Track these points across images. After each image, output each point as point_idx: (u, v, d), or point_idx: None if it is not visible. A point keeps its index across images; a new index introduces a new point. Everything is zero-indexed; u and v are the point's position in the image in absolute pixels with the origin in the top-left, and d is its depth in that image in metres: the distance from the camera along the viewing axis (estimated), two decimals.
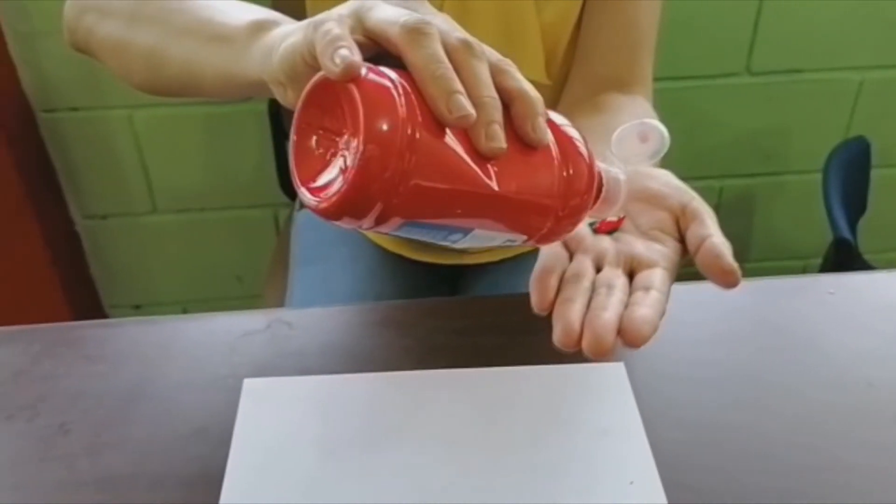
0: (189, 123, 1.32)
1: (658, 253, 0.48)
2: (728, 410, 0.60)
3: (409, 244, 0.91)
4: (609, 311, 0.44)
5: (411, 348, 0.65)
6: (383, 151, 0.36)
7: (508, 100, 0.40)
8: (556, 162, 0.43)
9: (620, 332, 0.43)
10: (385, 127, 0.36)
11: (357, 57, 0.37)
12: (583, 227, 0.51)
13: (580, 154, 0.44)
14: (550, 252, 0.49)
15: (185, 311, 1.58)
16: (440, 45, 0.38)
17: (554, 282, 0.46)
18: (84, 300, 1.48)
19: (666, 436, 0.58)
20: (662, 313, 0.45)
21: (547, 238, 0.45)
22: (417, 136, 0.37)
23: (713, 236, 0.47)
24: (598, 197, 0.46)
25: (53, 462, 0.56)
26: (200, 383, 0.62)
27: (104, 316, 1.56)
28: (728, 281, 0.46)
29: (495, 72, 0.39)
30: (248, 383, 0.62)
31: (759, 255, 1.60)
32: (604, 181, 0.46)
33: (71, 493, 0.54)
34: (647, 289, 0.46)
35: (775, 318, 0.69)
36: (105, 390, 0.62)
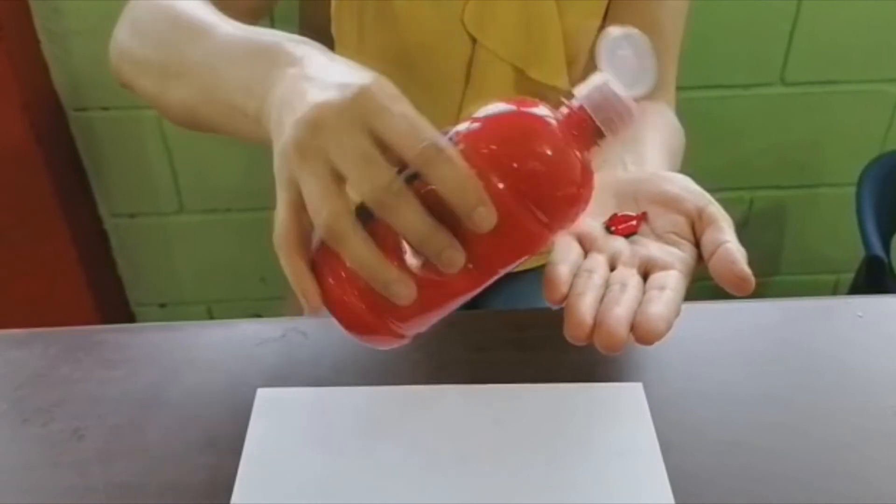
0: None
1: (673, 256, 0.48)
2: (749, 433, 0.59)
3: None
4: (622, 307, 0.43)
5: (425, 362, 0.64)
6: (370, 335, 0.44)
7: (443, 195, 0.39)
8: (520, 213, 0.41)
9: (634, 327, 0.42)
10: (366, 334, 0.44)
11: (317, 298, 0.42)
12: (597, 228, 0.50)
13: (536, 177, 0.41)
14: (565, 246, 0.48)
15: (209, 311, 1.59)
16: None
17: (567, 274, 0.45)
18: (110, 298, 1.50)
19: (683, 459, 0.56)
20: (677, 313, 0.44)
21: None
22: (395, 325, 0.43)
23: (728, 242, 0.46)
24: (595, 136, 0.44)
25: (66, 468, 0.56)
26: (215, 391, 0.62)
27: (130, 314, 1.57)
28: (741, 287, 0.45)
29: (422, 165, 0.38)
30: (261, 393, 0.61)
31: (789, 268, 1.57)
32: (590, 115, 0.44)
33: (82, 500, 0.54)
34: (661, 288, 0.45)
35: (802, 340, 0.67)
36: (121, 396, 0.62)
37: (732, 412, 0.60)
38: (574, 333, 0.42)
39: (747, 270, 0.45)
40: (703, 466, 0.56)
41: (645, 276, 0.47)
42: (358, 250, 0.39)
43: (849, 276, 1.38)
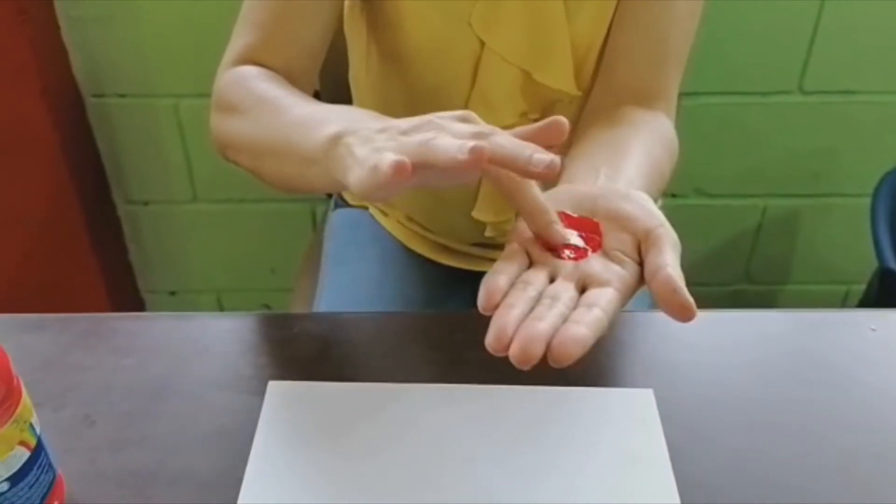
0: None
1: (614, 273, 0.47)
2: (759, 443, 0.59)
3: (440, 249, 0.91)
4: (544, 323, 0.43)
5: (437, 361, 0.64)
6: None
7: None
8: None
9: (548, 348, 0.42)
10: None
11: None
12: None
13: None
14: (510, 255, 0.49)
15: (218, 300, 1.59)
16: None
17: (503, 284, 0.46)
18: (121, 284, 1.50)
19: (692, 467, 0.56)
20: (600, 333, 0.44)
21: None
22: None
23: (668, 266, 0.45)
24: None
25: (76, 454, 0.57)
26: (226, 383, 0.63)
27: (140, 300, 1.58)
28: (684, 316, 0.44)
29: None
30: (273, 386, 0.62)
31: (800, 277, 1.56)
32: None
33: (91, 486, 0.55)
34: (590, 306, 0.45)
35: (814, 351, 0.67)
36: (133, 384, 0.62)
37: (742, 421, 0.60)
38: (494, 346, 0.43)
39: (689, 298, 0.44)
40: (711, 474, 0.56)
41: (582, 290, 0.47)
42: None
43: (860, 288, 1.37)
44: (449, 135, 0.46)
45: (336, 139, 0.50)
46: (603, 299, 0.45)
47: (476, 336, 0.66)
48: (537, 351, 0.42)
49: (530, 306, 0.45)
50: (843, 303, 1.59)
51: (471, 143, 0.43)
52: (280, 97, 0.62)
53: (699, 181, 1.42)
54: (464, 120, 0.48)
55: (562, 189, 0.54)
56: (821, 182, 1.45)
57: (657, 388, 0.62)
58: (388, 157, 0.44)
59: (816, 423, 0.60)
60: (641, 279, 0.48)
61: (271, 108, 0.61)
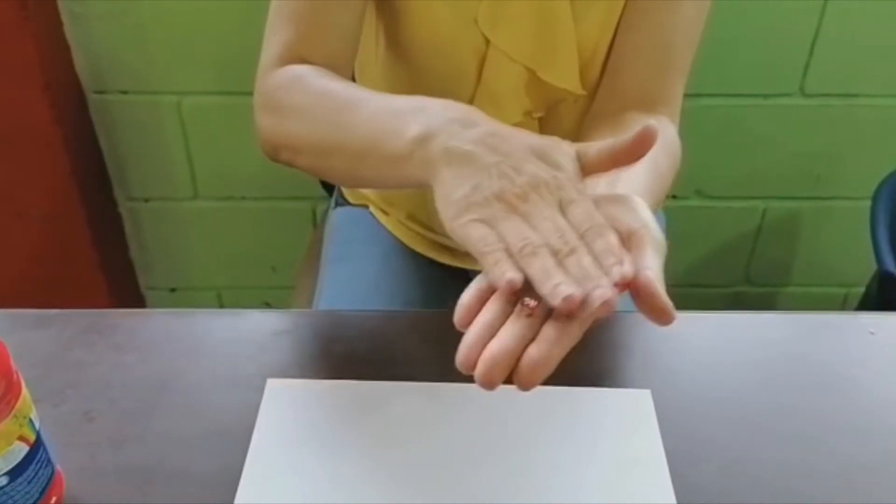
0: (235, 113, 1.33)
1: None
2: (756, 446, 0.59)
3: (440, 248, 0.91)
4: (510, 342, 0.42)
5: (435, 360, 0.64)
6: None
7: None
8: None
9: (514, 371, 0.42)
10: None
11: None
12: None
13: None
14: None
15: (219, 297, 1.59)
16: None
17: (471, 299, 0.45)
18: (121, 281, 1.51)
19: (689, 468, 0.57)
20: (570, 346, 0.44)
21: None
22: None
23: (648, 269, 0.45)
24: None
25: (76, 449, 0.57)
26: (226, 380, 0.63)
27: (140, 297, 1.58)
28: (662, 319, 0.44)
29: None
30: (272, 384, 0.62)
31: (799, 279, 1.57)
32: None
33: (90, 482, 0.55)
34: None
35: (813, 354, 0.67)
36: (133, 381, 0.62)
37: (740, 423, 0.60)
38: (461, 359, 0.43)
39: (668, 302, 0.44)
40: (708, 476, 0.57)
41: None
42: None
43: (859, 290, 1.37)
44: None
45: (421, 142, 0.50)
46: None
47: None
48: (500, 375, 0.42)
49: (502, 320, 0.44)
50: (842, 305, 1.60)
51: (577, 297, 0.42)
52: (342, 92, 0.62)
53: (700, 183, 1.42)
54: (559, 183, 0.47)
55: None
56: (821, 184, 1.45)
57: (655, 389, 0.62)
58: (509, 275, 0.43)
59: (814, 427, 0.60)
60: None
61: (337, 105, 0.60)
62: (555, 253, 0.45)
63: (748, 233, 1.49)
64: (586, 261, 0.45)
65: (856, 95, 1.34)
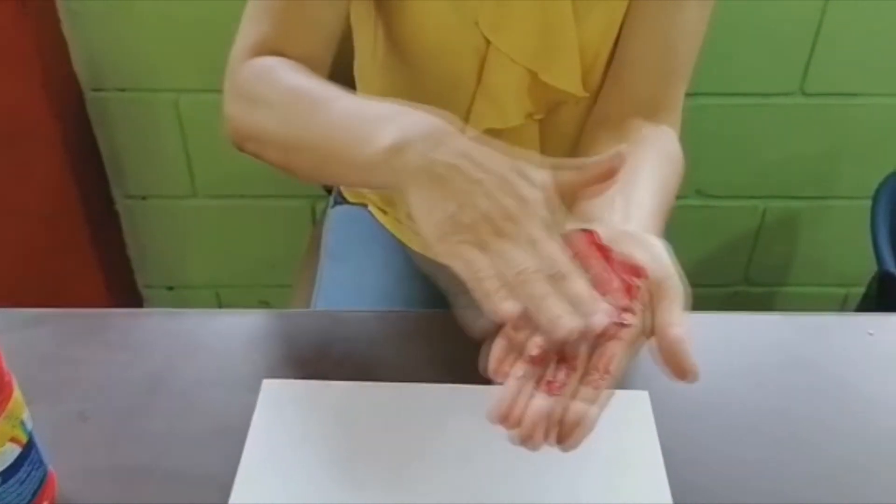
0: None
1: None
2: (754, 447, 0.58)
3: None
4: (547, 402, 0.44)
5: (434, 361, 0.64)
6: None
7: None
8: None
9: (558, 436, 0.44)
10: None
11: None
12: None
13: None
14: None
15: (217, 296, 1.59)
16: None
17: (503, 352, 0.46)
18: (119, 279, 1.50)
19: (686, 470, 0.56)
20: (607, 403, 0.45)
21: None
22: None
23: (677, 326, 0.46)
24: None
25: (69, 450, 0.56)
26: (221, 380, 0.62)
27: (138, 295, 1.57)
28: (685, 378, 0.45)
29: None
30: (267, 384, 0.62)
31: (799, 279, 1.56)
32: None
33: (83, 483, 0.55)
34: (597, 380, 0.45)
35: (811, 356, 0.67)
36: (128, 380, 0.62)
37: (737, 425, 0.60)
38: (495, 418, 0.44)
39: (693, 363, 0.45)
40: (705, 477, 0.56)
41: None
42: None
43: (859, 290, 1.37)
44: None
45: (396, 151, 0.50)
46: (612, 363, 0.46)
47: (471, 336, 0.66)
48: (541, 436, 0.43)
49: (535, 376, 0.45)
50: (842, 305, 1.59)
51: (578, 329, 0.43)
52: (313, 90, 0.60)
53: (700, 182, 1.42)
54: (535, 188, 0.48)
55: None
56: (821, 184, 1.44)
57: (652, 390, 0.62)
58: (505, 305, 0.44)
59: (811, 429, 0.60)
60: (649, 330, 0.48)
61: (307, 103, 0.60)
62: (549, 279, 0.44)
63: (748, 232, 1.49)
64: (580, 285, 0.45)
65: (856, 95, 1.34)
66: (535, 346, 0.45)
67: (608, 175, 0.50)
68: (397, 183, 0.50)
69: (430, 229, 0.47)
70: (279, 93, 0.62)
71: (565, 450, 0.43)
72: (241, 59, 0.66)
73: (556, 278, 0.45)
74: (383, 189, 0.52)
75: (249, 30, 0.67)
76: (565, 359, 0.46)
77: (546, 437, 0.43)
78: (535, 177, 0.49)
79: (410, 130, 0.50)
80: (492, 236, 0.46)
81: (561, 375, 0.45)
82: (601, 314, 0.43)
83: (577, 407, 0.44)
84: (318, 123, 0.58)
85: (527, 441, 0.43)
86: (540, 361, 0.45)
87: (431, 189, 0.48)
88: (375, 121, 0.53)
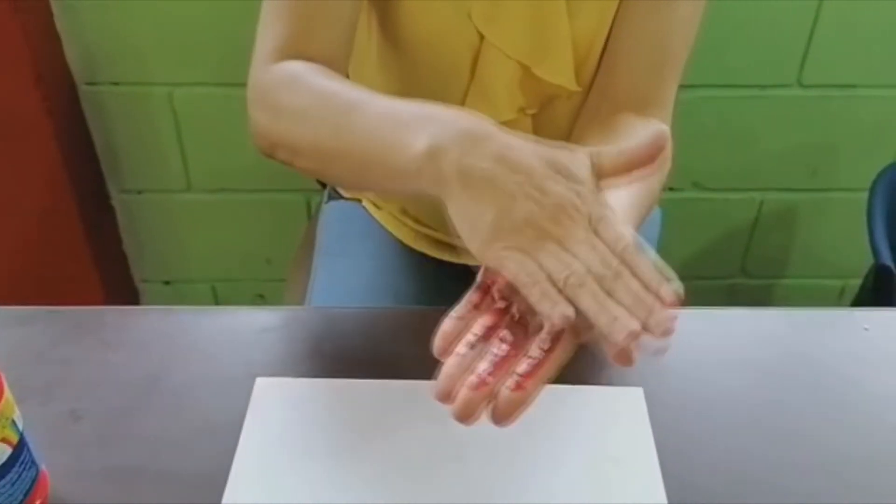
0: (228, 104, 1.31)
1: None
2: (748, 443, 0.58)
3: (432, 243, 0.90)
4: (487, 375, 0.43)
5: (426, 358, 0.63)
6: None
7: None
8: None
9: (492, 408, 0.43)
10: None
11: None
12: None
13: None
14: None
15: (213, 290, 1.59)
16: None
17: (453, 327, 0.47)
18: (115, 274, 1.50)
19: (680, 466, 0.56)
20: (543, 385, 0.45)
21: None
22: None
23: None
24: None
25: (62, 449, 0.56)
26: (215, 379, 0.62)
27: (134, 290, 1.57)
28: (621, 361, 0.45)
29: None
30: (260, 382, 0.61)
31: (796, 271, 1.56)
32: None
33: (76, 483, 0.55)
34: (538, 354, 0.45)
35: (807, 350, 0.67)
36: (120, 379, 0.62)
37: (732, 420, 0.60)
38: (437, 395, 0.44)
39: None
40: (699, 474, 0.56)
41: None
42: None
43: (856, 282, 1.37)
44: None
45: (429, 158, 0.48)
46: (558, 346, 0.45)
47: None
48: (478, 410, 0.43)
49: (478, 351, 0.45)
50: (839, 297, 1.59)
51: (639, 330, 0.43)
52: (342, 94, 0.59)
53: (696, 174, 1.42)
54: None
55: None
56: (818, 176, 1.44)
57: (647, 386, 0.61)
58: (560, 309, 0.43)
59: (806, 424, 0.60)
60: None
61: (336, 110, 0.58)
62: (600, 279, 0.44)
63: (745, 224, 1.49)
64: (634, 285, 0.44)
65: (854, 87, 1.34)
66: (479, 325, 0.45)
67: (650, 159, 0.48)
68: (435, 189, 0.49)
69: (473, 237, 0.46)
70: (308, 99, 0.60)
71: (500, 426, 0.43)
72: (263, 65, 0.64)
73: (607, 279, 0.44)
74: (424, 196, 0.50)
75: (268, 33, 0.66)
76: (514, 326, 0.46)
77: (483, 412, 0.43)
78: (575, 170, 0.47)
79: (442, 136, 0.49)
80: (536, 240, 0.45)
81: (504, 347, 0.45)
82: (659, 314, 0.44)
83: (512, 382, 0.44)
84: (350, 129, 0.56)
85: (463, 419, 0.43)
86: (486, 338, 0.45)
87: (468, 198, 0.47)
88: (407, 124, 0.51)
